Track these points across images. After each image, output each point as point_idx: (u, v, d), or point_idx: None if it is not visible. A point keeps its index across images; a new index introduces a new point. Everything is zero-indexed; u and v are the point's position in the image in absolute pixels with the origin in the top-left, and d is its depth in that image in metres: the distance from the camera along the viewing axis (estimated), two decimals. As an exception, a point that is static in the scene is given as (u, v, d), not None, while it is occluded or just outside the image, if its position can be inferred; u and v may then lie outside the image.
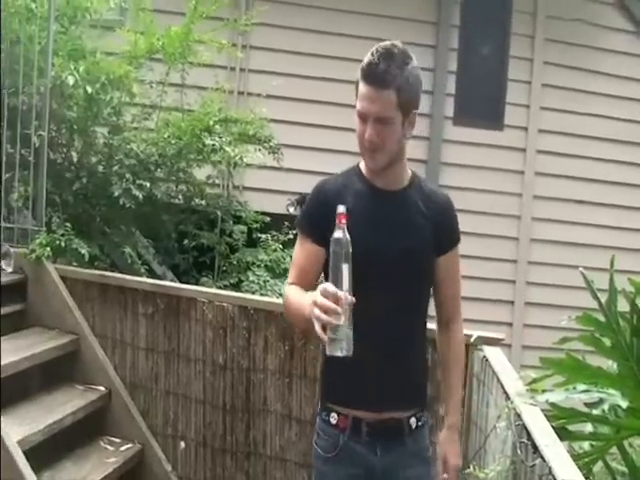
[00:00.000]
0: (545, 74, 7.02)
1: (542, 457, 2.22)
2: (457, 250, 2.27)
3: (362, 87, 2.03)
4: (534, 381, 2.89)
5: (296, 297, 2.09)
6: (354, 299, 1.85)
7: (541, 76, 7.03)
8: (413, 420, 2.20)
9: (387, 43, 2.05)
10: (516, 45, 7.03)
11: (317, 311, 1.81)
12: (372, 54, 2.02)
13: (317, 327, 1.82)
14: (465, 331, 2.49)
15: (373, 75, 2.00)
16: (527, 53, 7.05)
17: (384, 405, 2.15)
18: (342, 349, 1.85)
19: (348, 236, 1.89)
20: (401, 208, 2.17)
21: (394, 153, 2.10)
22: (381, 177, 2.16)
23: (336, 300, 1.81)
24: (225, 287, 5.14)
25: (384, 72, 1.99)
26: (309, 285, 2.11)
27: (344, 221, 1.90)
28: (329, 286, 1.84)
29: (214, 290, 4.56)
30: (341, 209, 1.91)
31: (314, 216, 2.16)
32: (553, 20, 7.00)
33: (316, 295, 1.83)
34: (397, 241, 2.12)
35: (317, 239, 2.11)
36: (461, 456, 2.39)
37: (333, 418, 2.18)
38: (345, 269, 1.87)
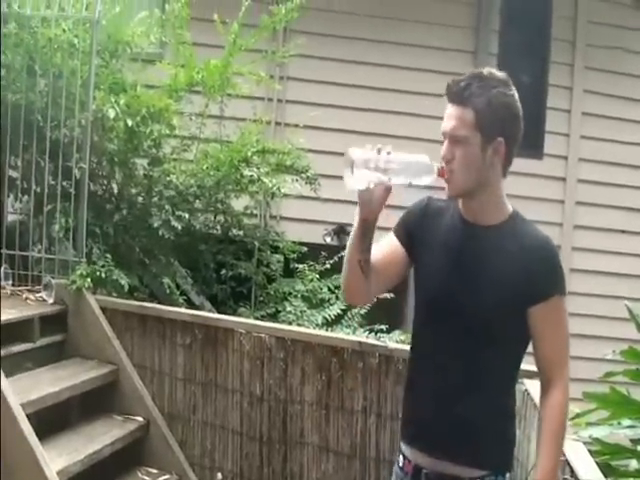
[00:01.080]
0: (585, 102, 6.95)
1: (586, 494, 2.17)
2: (555, 304, 1.99)
3: (447, 106, 1.99)
4: (577, 415, 2.84)
5: None
6: (391, 188, 1.88)
7: (581, 104, 6.96)
8: None
9: (485, 68, 2.00)
10: (555, 73, 6.98)
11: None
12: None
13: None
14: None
15: (452, 91, 1.95)
16: (566, 81, 6.99)
17: (438, 452, 2.03)
18: (350, 179, 1.85)
19: (430, 180, 1.91)
20: (487, 247, 2.02)
21: (473, 180, 1.97)
22: (469, 209, 2.04)
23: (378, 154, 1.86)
24: (262, 317, 5.13)
25: (463, 89, 1.93)
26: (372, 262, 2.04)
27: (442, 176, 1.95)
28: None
29: (251, 321, 4.56)
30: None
31: (408, 219, 2.12)
32: (592, 48, 6.95)
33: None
34: (473, 285, 2.00)
35: (400, 236, 2.09)
36: None
37: (400, 461, 2.13)
38: (399, 181, 1.89)
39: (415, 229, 2.08)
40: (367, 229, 1.96)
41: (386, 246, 2.10)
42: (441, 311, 2.04)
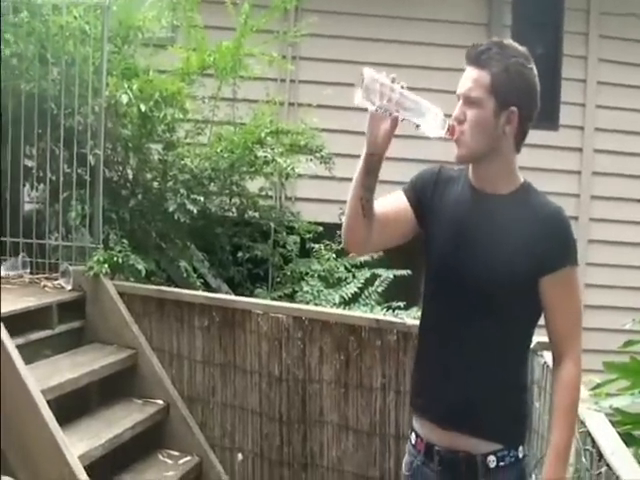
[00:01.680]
0: (600, 71, 6.86)
1: (608, 465, 2.15)
2: (567, 275, 1.96)
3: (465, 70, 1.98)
4: (598, 386, 2.82)
5: None
6: (397, 121, 1.84)
7: (596, 74, 6.88)
8: (492, 459, 1.97)
9: (506, 39, 1.99)
10: (570, 43, 6.90)
11: None
12: None
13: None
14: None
15: (470, 54, 1.94)
16: (581, 51, 6.91)
17: (446, 423, 2.00)
18: (359, 98, 1.82)
19: (439, 132, 1.87)
20: (494, 216, 1.98)
21: (482, 145, 1.93)
22: (478, 177, 2.01)
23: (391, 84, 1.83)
24: (279, 298, 5.14)
25: (481, 52, 1.92)
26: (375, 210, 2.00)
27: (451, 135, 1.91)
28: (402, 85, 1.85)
29: (268, 301, 4.57)
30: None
31: (418, 183, 2.08)
32: (607, 16, 6.85)
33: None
34: (477, 255, 1.96)
35: (410, 197, 2.06)
36: None
37: (413, 439, 2.11)
38: (408, 117, 1.85)
39: (424, 195, 2.05)
40: (372, 166, 1.91)
41: (395, 202, 2.06)
42: (446, 283, 2.01)
